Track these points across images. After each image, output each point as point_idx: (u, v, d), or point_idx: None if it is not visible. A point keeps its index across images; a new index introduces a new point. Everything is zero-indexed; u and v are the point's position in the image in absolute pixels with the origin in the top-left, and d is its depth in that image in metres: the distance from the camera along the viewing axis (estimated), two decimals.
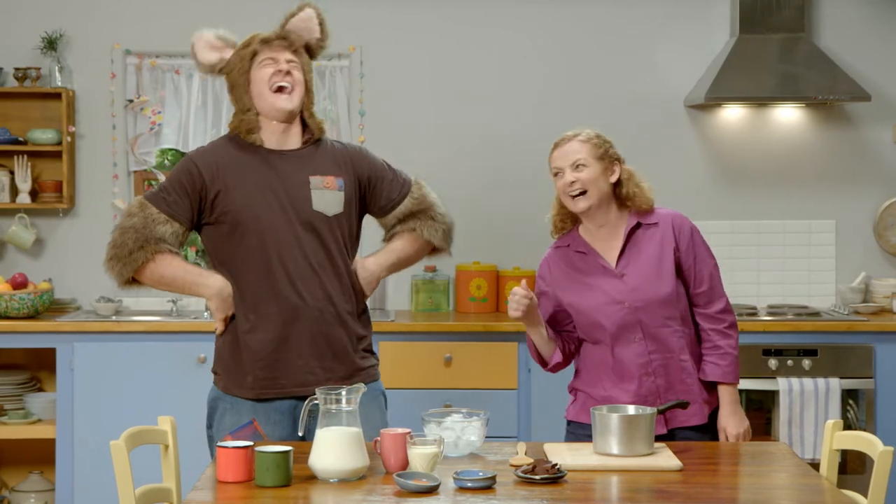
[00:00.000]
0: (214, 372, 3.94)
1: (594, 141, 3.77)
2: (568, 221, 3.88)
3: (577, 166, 3.73)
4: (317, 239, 3.80)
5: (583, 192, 3.73)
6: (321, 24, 3.95)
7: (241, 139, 3.85)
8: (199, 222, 3.85)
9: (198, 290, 3.85)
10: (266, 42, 3.85)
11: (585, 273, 3.80)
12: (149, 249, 3.75)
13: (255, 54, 3.84)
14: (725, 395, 3.84)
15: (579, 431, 3.81)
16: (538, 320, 3.77)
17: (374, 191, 3.95)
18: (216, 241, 3.84)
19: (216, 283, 3.81)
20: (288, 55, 3.85)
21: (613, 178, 3.78)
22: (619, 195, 3.80)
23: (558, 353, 3.83)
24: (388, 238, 4.03)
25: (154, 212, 3.77)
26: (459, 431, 3.42)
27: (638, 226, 3.80)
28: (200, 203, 3.80)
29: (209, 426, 3.89)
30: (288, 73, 3.82)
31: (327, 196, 3.82)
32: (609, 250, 3.81)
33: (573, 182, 3.73)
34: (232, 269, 3.83)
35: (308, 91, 3.87)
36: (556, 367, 3.88)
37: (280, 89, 3.80)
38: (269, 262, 3.77)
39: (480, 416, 3.47)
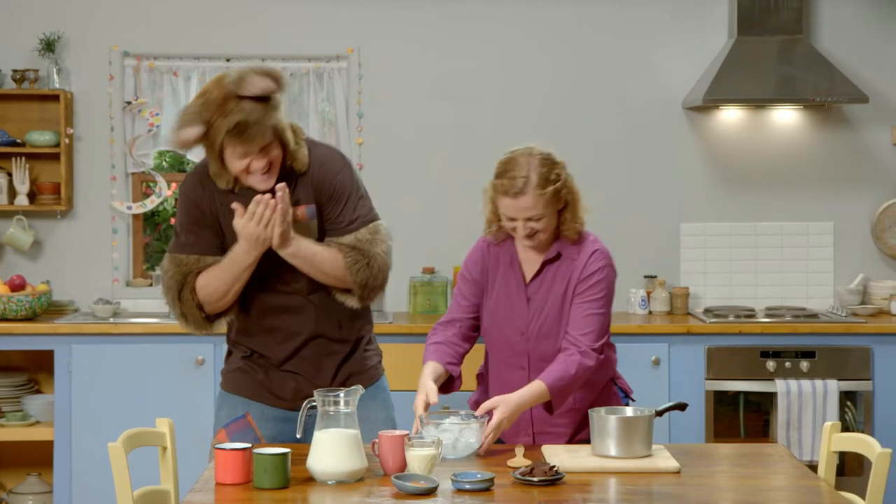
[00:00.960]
0: (222, 375, 3.91)
1: (549, 191, 3.59)
2: (504, 231, 3.74)
3: (534, 220, 3.61)
4: (299, 273, 3.68)
5: (535, 234, 3.65)
6: (275, 79, 3.57)
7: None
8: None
9: (238, 259, 3.61)
10: (232, 135, 3.51)
11: (505, 283, 3.74)
12: (188, 284, 3.66)
13: (222, 141, 3.55)
14: (531, 388, 3.55)
15: None
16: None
17: (326, 210, 3.73)
18: None
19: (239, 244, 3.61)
20: (255, 147, 3.54)
21: (560, 207, 3.67)
22: (562, 225, 3.70)
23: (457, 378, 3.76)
24: None
25: (184, 258, 3.67)
26: (458, 433, 3.42)
27: (558, 257, 3.70)
28: (219, 228, 3.69)
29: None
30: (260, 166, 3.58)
31: (301, 228, 3.66)
32: (529, 269, 3.73)
33: (530, 233, 3.63)
34: (240, 308, 3.78)
35: (283, 143, 3.61)
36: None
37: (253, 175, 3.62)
38: (261, 298, 3.72)
39: (479, 419, 3.47)
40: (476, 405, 3.80)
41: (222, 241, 3.70)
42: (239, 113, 3.50)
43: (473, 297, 3.79)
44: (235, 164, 3.57)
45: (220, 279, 3.64)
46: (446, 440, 3.39)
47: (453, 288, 6.06)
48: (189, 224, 3.70)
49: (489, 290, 3.77)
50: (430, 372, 3.66)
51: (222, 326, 3.78)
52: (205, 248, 3.69)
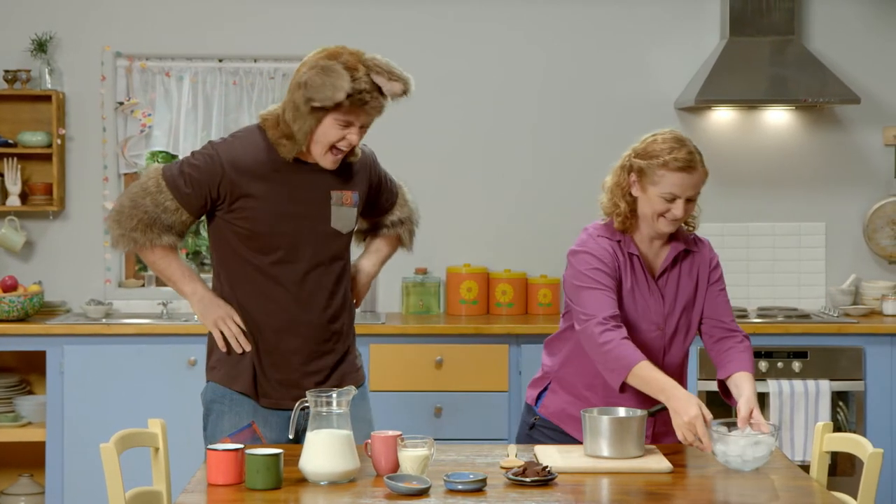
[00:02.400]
0: (212, 367, 3.82)
1: (707, 171, 3.61)
2: (631, 222, 3.64)
3: (692, 199, 3.58)
4: (330, 257, 3.76)
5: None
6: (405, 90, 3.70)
7: (270, 141, 3.71)
8: (210, 213, 3.75)
9: (178, 289, 3.81)
10: (352, 102, 3.60)
11: (633, 278, 3.64)
12: (150, 236, 3.69)
13: (336, 107, 3.60)
14: (747, 382, 3.56)
15: (551, 433, 3.72)
16: None
17: (375, 198, 3.94)
18: (229, 240, 3.74)
19: (199, 290, 3.76)
20: (363, 120, 3.66)
21: None
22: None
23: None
24: (370, 235, 4.05)
25: (168, 198, 3.68)
26: (749, 446, 3.32)
27: (686, 252, 3.69)
28: (216, 201, 3.70)
29: (205, 428, 3.82)
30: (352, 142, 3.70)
31: (343, 213, 3.78)
32: (653, 263, 3.67)
33: (683, 215, 3.56)
34: (240, 278, 3.75)
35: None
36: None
37: (336, 150, 3.69)
38: (281, 278, 3.72)
39: (770, 431, 3.37)
40: (560, 416, 3.71)
41: (203, 211, 3.73)
42: (367, 84, 3.61)
43: (616, 292, 3.58)
44: (333, 132, 3.63)
45: (163, 269, 3.77)
46: (735, 452, 3.31)
47: (445, 289, 6.08)
48: (198, 179, 3.68)
49: (621, 284, 3.63)
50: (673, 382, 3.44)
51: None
52: (190, 205, 3.69)
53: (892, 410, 5.62)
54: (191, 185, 3.69)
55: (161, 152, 6.57)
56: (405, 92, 3.66)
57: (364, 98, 3.60)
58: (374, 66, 3.63)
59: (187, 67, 6.08)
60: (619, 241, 3.64)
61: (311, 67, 3.60)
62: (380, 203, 3.98)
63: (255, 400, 3.75)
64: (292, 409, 3.70)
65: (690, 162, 3.53)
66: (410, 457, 3.19)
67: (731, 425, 3.40)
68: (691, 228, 3.72)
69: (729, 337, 3.71)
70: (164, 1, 6.10)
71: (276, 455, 3.13)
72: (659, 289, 3.65)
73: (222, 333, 3.74)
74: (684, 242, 3.68)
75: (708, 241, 3.78)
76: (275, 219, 3.69)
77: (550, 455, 3.42)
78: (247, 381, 3.75)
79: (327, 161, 3.69)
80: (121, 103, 6.07)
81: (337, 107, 3.59)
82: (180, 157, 3.94)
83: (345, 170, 3.78)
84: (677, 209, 3.55)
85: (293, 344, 3.74)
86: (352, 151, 3.76)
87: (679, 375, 3.69)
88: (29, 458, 5.87)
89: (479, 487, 3.10)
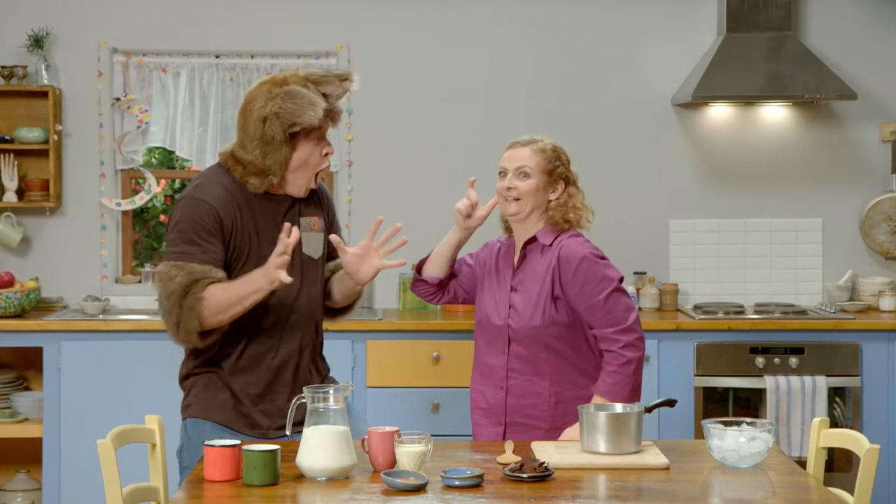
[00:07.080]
0: (188, 405, 3.74)
1: (548, 154, 3.83)
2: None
3: (521, 174, 3.81)
4: (304, 284, 3.76)
5: (517, 199, 3.81)
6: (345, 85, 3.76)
7: (236, 179, 3.69)
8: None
9: (256, 290, 3.58)
10: (325, 117, 3.64)
11: (497, 269, 3.93)
12: (195, 293, 3.54)
13: (307, 133, 3.63)
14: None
15: None
16: (463, 236, 3.93)
17: (328, 231, 3.88)
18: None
19: (262, 273, 3.57)
20: (326, 131, 3.71)
21: (553, 196, 3.84)
22: (549, 210, 3.85)
23: (441, 280, 4.01)
24: (331, 276, 3.95)
25: (196, 266, 3.56)
26: (746, 442, 3.33)
27: (533, 240, 3.83)
28: (228, 243, 3.64)
29: (181, 461, 3.73)
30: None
31: (313, 238, 3.78)
32: (517, 257, 3.92)
33: (510, 188, 3.81)
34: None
35: None
36: (424, 285, 4.05)
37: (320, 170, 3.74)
38: (264, 309, 3.68)
39: (767, 427, 3.39)
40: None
41: (228, 257, 3.65)
42: (324, 98, 3.67)
43: (468, 278, 4.02)
44: (311, 153, 3.66)
45: (228, 296, 3.57)
46: (731, 448, 3.34)
47: None
48: (206, 232, 3.61)
49: (483, 277, 3.96)
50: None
51: (207, 342, 3.64)
52: (217, 259, 3.62)
53: (888, 406, 5.62)
54: (203, 240, 3.60)
55: (158, 148, 6.57)
56: (347, 88, 3.72)
57: (330, 109, 3.66)
58: (320, 80, 3.66)
59: (184, 63, 6.07)
60: (506, 243, 3.99)
61: (269, 99, 3.60)
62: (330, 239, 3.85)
63: (237, 431, 3.71)
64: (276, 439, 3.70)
65: (517, 142, 3.86)
66: (407, 453, 3.19)
67: (729, 422, 3.40)
68: (557, 221, 3.83)
69: (605, 351, 3.79)
70: None
71: (274, 451, 3.13)
72: (512, 283, 3.86)
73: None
74: (537, 233, 3.84)
75: (563, 241, 3.82)
76: (261, 252, 3.65)
77: (547, 451, 3.42)
78: (227, 413, 3.70)
79: (310, 184, 3.71)
80: (117, 99, 6.07)
81: (311, 126, 3.61)
82: (165, 236, 3.81)
83: (308, 197, 3.79)
84: (507, 181, 3.82)
85: (277, 368, 3.73)
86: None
87: (542, 371, 3.80)
88: (26, 454, 5.87)
89: (475, 483, 3.10)
